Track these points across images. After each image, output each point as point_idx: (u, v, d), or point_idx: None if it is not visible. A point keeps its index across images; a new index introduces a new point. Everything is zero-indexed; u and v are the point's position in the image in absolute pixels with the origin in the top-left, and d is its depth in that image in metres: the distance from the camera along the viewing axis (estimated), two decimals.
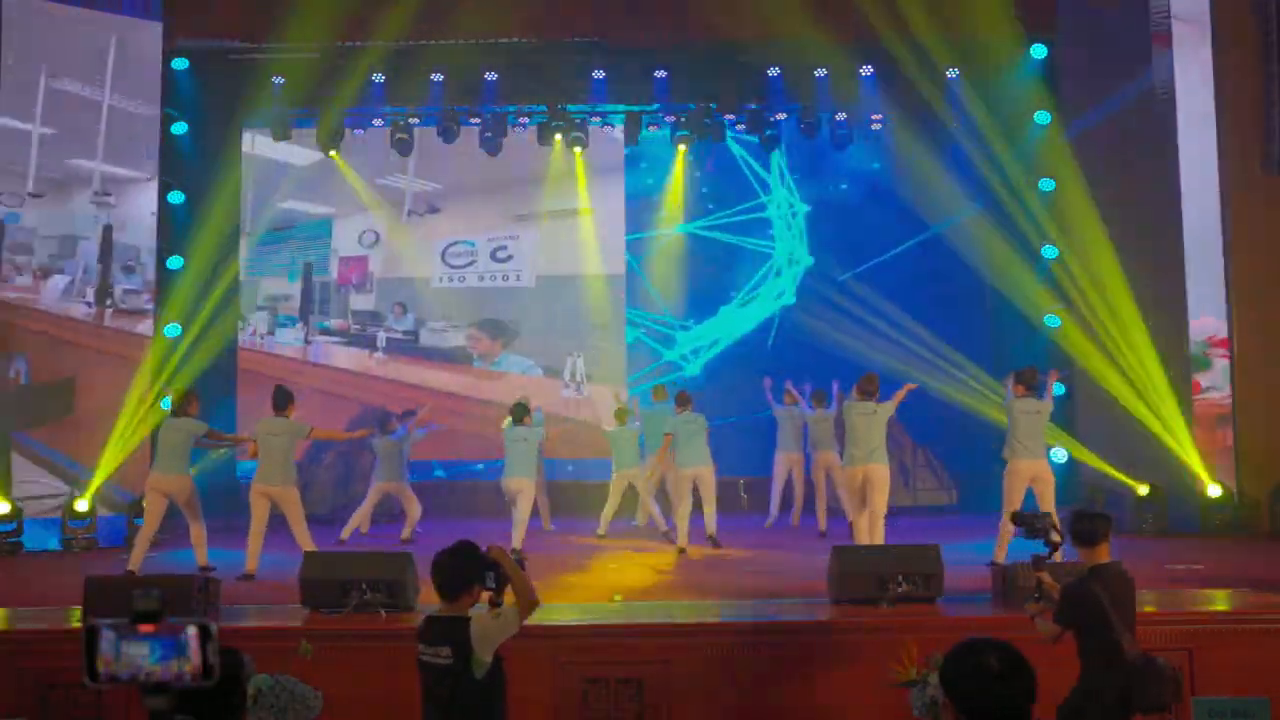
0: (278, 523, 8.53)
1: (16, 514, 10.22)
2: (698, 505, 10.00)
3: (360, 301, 14.51)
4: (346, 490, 12.46)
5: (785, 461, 11.60)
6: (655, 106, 13.55)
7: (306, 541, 8.28)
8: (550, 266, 14.39)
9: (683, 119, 13.59)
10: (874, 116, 13.81)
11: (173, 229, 12.52)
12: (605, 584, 7.85)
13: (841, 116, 13.71)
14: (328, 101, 13.16)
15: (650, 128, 13.93)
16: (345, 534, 10.39)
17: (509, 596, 3.91)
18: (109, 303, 11.10)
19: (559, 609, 6.47)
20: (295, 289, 14.52)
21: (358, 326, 14.46)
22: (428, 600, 6.36)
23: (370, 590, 6.10)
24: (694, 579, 8.11)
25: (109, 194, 10.60)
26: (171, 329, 12.32)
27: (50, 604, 7.15)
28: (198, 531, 8.53)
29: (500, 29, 12.32)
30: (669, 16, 11.99)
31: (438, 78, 13.10)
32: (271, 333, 14.40)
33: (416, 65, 13.02)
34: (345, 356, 14.39)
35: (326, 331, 14.48)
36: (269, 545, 8.53)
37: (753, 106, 13.47)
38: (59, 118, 10.65)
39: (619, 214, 14.46)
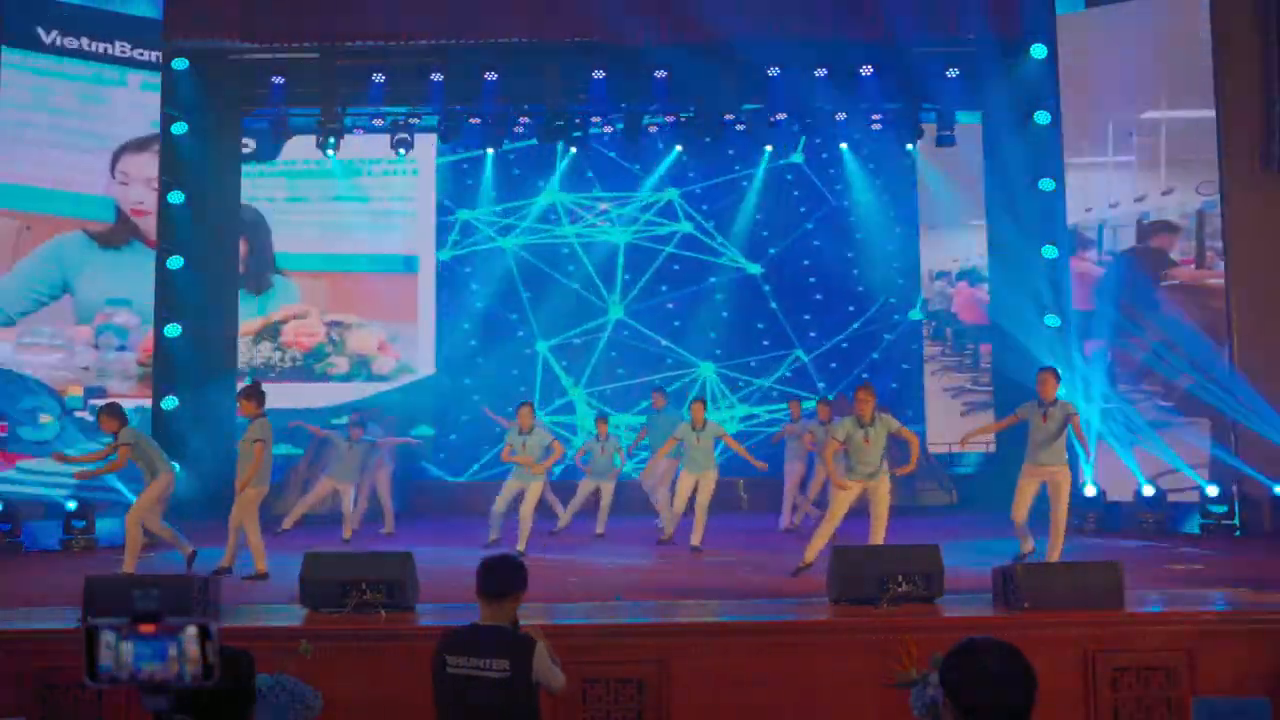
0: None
1: None
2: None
3: None
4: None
5: (796, 471, 11.50)
6: (655, 106, 13.56)
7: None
8: None
9: (683, 119, 13.59)
10: (874, 116, 13.84)
11: (173, 229, 12.53)
12: (605, 584, 7.84)
13: (841, 116, 13.73)
14: (330, 100, 13.18)
15: (650, 128, 13.94)
16: (287, 524, 10.37)
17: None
18: None
19: (559, 609, 6.47)
20: None
21: None
22: (426, 600, 6.37)
23: (370, 590, 6.10)
24: (694, 579, 8.11)
25: None
26: (172, 329, 12.34)
27: (50, 604, 7.15)
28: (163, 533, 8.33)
29: (500, 29, 12.32)
30: (669, 16, 11.98)
31: (438, 78, 13.12)
32: None
33: (416, 65, 13.03)
34: None
35: None
36: (265, 544, 8.54)
37: (753, 106, 13.48)
38: None
39: None
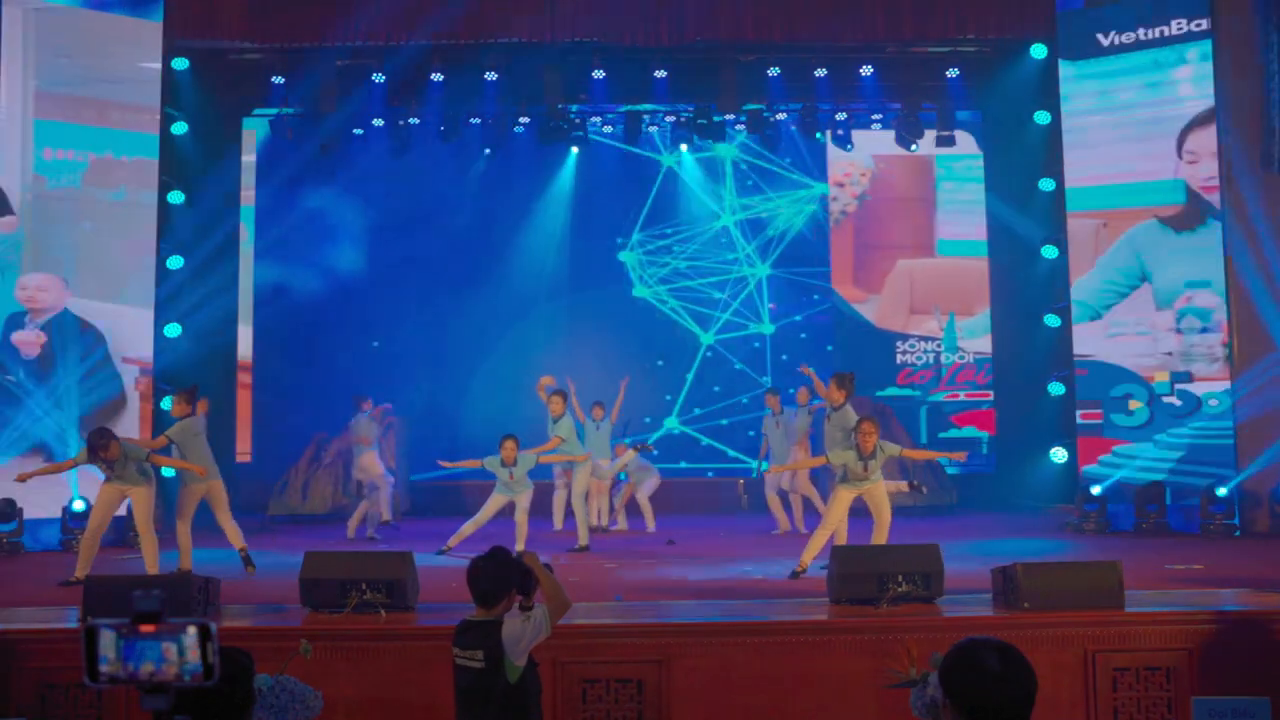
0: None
1: None
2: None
3: None
4: (346, 489, 12.45)
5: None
6: (655, 106, 13.55)
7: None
8: None
9: (683, 119, 13.59)
10: (874, 116, 13.85)
11: (173, 228, 12.52)
12: (605, 584, 7.84)
13: (842, 116, 13.73)
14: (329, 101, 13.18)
15: (650, 128, 13.94)
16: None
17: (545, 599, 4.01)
18: None
19: None
20: None
21: None
22: (426, 600, 6.37)
23: (370, 590, 6.09)
24: (694, 579, 8.11)
25: None
26: (172, 329, 12.34)
27: (50, 604, 7.14)
28: (149, 543, 8.20)
29: (500, 29, 12.31)
30: (669, 16, 11.98)
31: (438, 78, 13.11)
32: None
33: (416, 65, 13.02)
34: None
35: None
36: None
37: (753, 106, 13.48)
38: None
39: None
